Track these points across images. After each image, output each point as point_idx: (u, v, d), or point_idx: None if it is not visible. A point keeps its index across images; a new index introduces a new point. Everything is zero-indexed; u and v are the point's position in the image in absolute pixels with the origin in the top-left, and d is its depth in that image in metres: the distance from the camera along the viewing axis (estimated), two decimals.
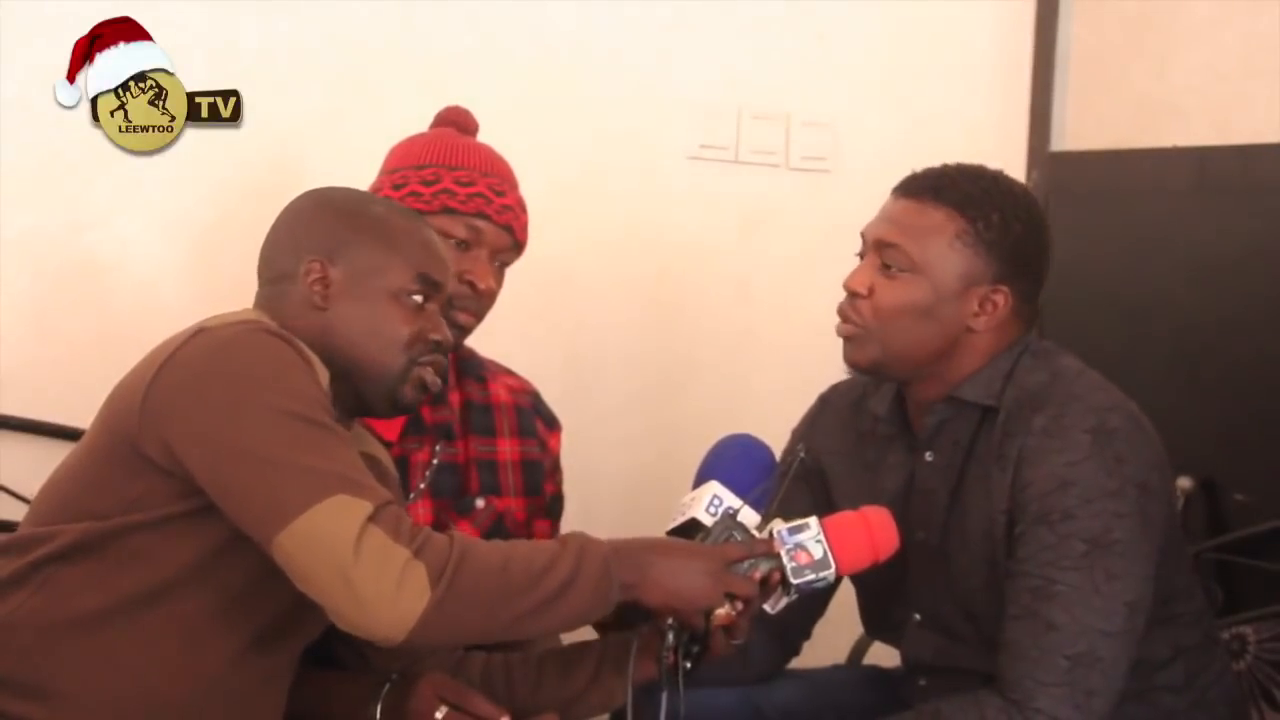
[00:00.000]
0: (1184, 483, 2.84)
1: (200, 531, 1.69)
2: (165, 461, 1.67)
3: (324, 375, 1.75)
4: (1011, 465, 1.95)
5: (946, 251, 1.99)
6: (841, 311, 2.04)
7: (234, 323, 1.74)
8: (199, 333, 1.72)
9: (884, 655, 2.30)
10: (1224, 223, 2.94)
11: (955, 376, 2.02)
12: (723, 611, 1.76)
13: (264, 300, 1.88)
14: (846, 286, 2.03)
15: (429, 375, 1.87)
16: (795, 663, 2.29)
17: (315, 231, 1.87)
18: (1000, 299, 2.00)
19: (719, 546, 1.79)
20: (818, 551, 1.80)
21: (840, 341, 2.05)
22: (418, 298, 1.86)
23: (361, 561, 1.58)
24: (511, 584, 1.63)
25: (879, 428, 2.12)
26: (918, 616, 2.10)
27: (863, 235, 2.06)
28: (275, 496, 1.61)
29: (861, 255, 2.05)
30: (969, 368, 2.02)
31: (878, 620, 2.22)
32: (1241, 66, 2.96)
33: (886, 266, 2.01)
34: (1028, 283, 2.04)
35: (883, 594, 2.13)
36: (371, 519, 1.60)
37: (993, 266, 1.99)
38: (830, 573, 1.81)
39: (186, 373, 1.68)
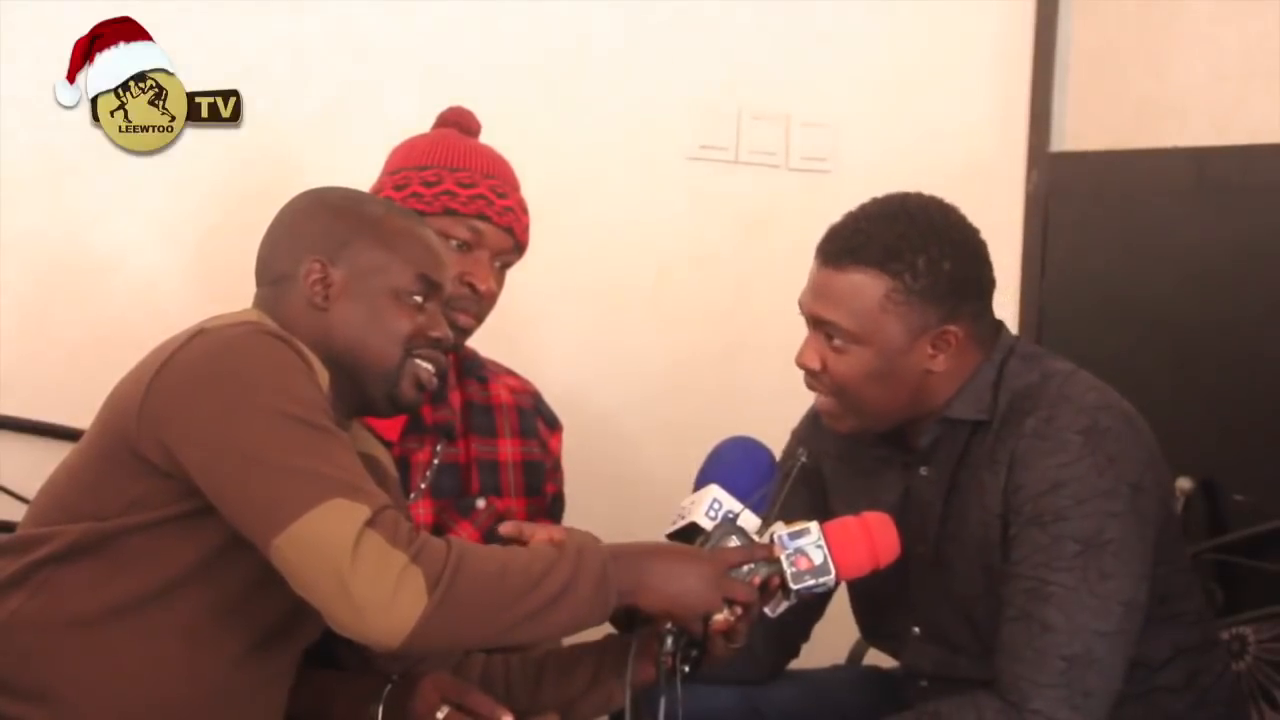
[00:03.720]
0: (1184, 483, 2.84)
1: (200, 533, 1.69)
2: (164, 463, 1.67)
3: (324, 377, 1.75)
4: (1004, 468, 1.95)
5: (880, 315, 1.94)
6: (809, 386, 2.03)
7: (234, 324, 1.74)
8: (199, 334, 1.72)
9: (884, 656, 2.30)
10: (1224, 223, 2.94)
11: (938, 402, 2.01)
12: (721, 617, 1.75)
13: (263, 301, 1.88)
14: (799, 364, 2.01)
15: (424, 373, 1.87)
16: (795, 663, 2.29)
17: (315, 232, 1.87)
18: (951, 338, 1.97)
19: (718, 551, 1.78)
20: (818, 557, 1.79)
21: None
22: (418, 297, 1.86)
23: (358, 566, 1.57)
24: (509, 589, 1.63)
25: (874, 449, 2.11)
26: (917, 630, 2.09)
27: (800, 304, 2.02)
28: (273, 500, 1.60)
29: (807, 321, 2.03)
30: (948, 393, 2.00)
31: (875, 629, 2.21)
32: (1241, 66, 2.96)
33: (830, 338, 1.97)
34: (974, 305, 2.00)
35: (880, 604, 2.12)
36: (369, 523, 1.59)
37: (932, 312, 1.95)
38: (830, 578, 1.80)
39: (186, 374, 1.68)
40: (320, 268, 1.84)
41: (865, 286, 1.95)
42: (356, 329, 1.84)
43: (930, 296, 1.94)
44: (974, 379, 2.00)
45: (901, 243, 1.94)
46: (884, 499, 2.06)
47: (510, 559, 1.66)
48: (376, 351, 1.84)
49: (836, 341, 1.97)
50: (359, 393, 1.85)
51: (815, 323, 1.99)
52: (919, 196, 2.02)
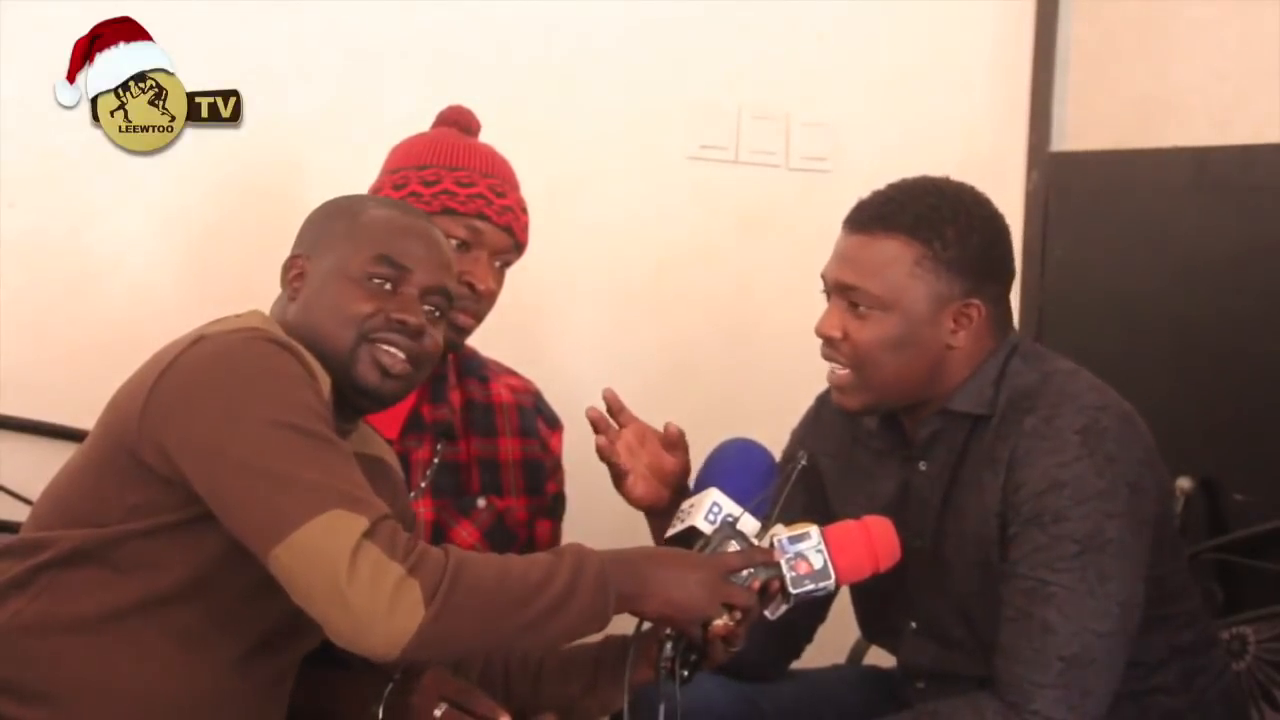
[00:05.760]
0: (1184, 483, 2.84)
1: (199, 540, 1.68)
2: (165, 469, 1.67)
3: (326, 383, 1.75)
4: (1003, 467, 1.95)
5: (908, 281, 1.95)
6: (825, 356, 2.02)
7: (235, 330, 1.74)
8: (200, 339, 1.71)
9: (884, 656, 2.30)
10: (1223, 222, 2.94)
11: (944, 391, 2.01)
12: (720, 622, 1.75)
13: (273, 306, 1.89)
14: (819, 333, 2.01)
15: (386, 356, 1.82)
16: (795, 663, 2.29)
17: (306, 232, 1.90)
18: (974, 312, 1.98)
19: (717, 556, 1.78)
20: (818, 561, 1.79)
21: None
22: (379, 280, 1.83)
23: (356, 578, 1.56)
24: (507, 599, 1.62)
25: (873, 442, 2.12)
26: (914, 625, 2.10)
27: (823, 277, 2.02)
28: (272, 510, 1.60)
29: (827, 294, 2.03)
30: (955, 380, 2.01)
31: (874, 625, 2.22)
32: (1241, 66, 2.96)
33: (854, 306, 1.98)
34: (996, 287, 2.02)
35: (879, 600, 2.12)
36: (367, 534, 1.58)
37: (958, 283, 1.96)
38: (830, 583, 1.80)
39: (186, 380, 1.67)
40: (299, 263, 1.86)
41: (895, 252, 1.96)
42: (314, 313, 1.82)
43: (957, 267, 1.96)
44: (977, 373, 2.00)
45: (933, 213, 1.96)
46: (882, 493, 2.06)
47: (508, 567, 1.65)
48: (328, 333, 1.81)
49: (861, 308, 1.97)
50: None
51: (840, 290, 2.00)
52: (947, 178, 2.04)
